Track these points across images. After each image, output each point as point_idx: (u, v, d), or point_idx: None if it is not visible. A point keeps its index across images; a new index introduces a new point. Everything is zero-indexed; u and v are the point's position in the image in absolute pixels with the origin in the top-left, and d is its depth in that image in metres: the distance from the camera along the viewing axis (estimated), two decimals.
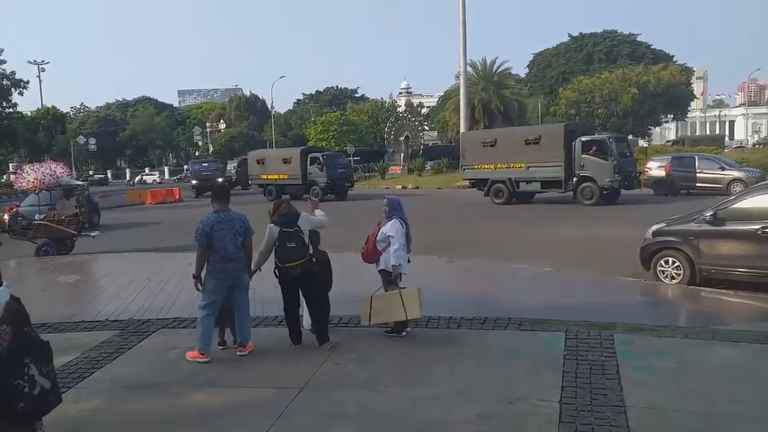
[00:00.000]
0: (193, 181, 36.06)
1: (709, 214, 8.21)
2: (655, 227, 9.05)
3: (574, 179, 21.12)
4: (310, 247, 6.12)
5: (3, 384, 2.08)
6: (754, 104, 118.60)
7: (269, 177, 31.69)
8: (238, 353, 5.92)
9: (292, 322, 6.13)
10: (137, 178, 68.62)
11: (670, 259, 8.65)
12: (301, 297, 6.13)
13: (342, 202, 27.71)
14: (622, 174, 20.63)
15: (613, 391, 4.67)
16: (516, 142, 22.91)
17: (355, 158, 46.74)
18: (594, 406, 4.43)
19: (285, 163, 30.86)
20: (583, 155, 20.89)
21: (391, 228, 6.19)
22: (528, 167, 22.21)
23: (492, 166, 23.35)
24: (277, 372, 5.48)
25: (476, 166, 24.26)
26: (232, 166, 45.59)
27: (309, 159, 29.86)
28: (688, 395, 4.64)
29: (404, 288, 6.17)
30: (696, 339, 5.96)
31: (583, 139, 21.35)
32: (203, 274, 5.78)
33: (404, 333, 6.28)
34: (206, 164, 39.33)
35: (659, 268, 8.77)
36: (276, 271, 5.97)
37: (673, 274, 8.61)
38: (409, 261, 6.41)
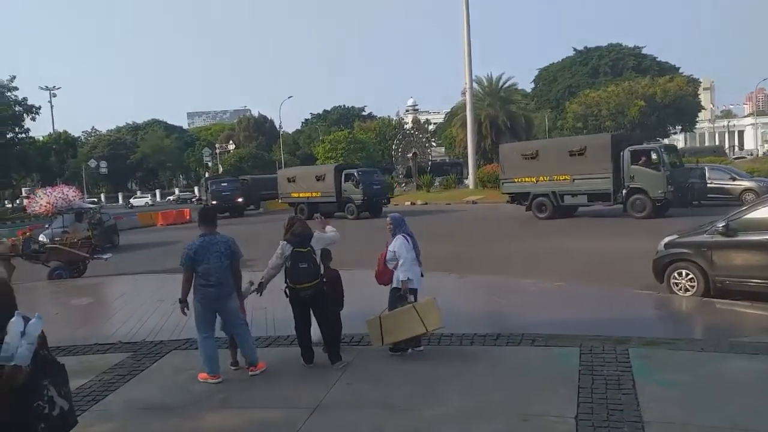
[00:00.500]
0: (213, 201, 33.92)
1: (721, 225, 8.14)
2: (667, 239, 8.98)
3: (624, 191, 20.05)
4: (322, 267, 6.11)
5: (24, 406, 2.13)
6: (763, 114, 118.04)
7: (301, 195, 30.62)
8: (249, 373, 5.91)
9: (304, 342, 6.10)
10: (127, 203, 67.37)
11: (684, 271, 8.56)
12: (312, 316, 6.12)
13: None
14: (675, 185, 19.56)
15: (629, 407, 4.61)
16: (559, 154, 21.86)
17: None
18: (611, 422, 4.37)
19: (318, 180, 29.79)
20: (633, 166, 19.87)
21: (395, 244, 6.20)
22: (573, 179, 21.15)
23: (534, 179, 22.31)
24: (289, 392, 5.46)
25: (516, 180, 23.15)
26: None
27: (344, 175, 28.90)
28: (706, 409, 4.57)
29: (415, 302, 6.11)
30: (712, 352, 5.88)
31: (632, 149, 20.38)
32: (191, 299, 5.78)
33: (409, 351, 6.20)
34: (225, 184, 37.39)
35: (673, 281, 8.69)
36: (287, 290, 5.97)
37: (687, 286, 8.52)
38: (422, 275, 6.38)
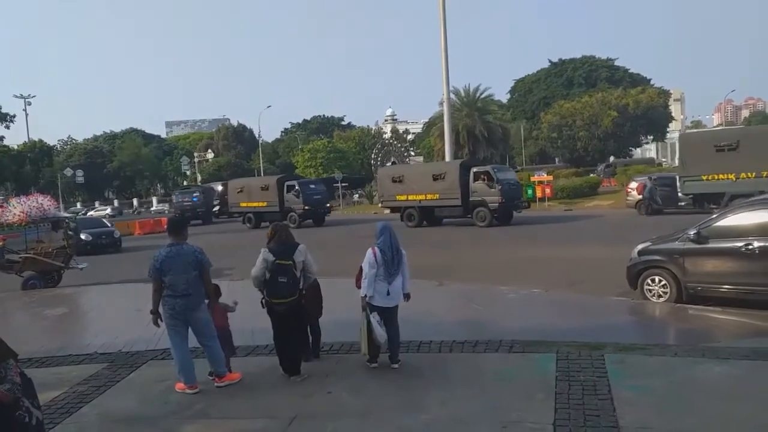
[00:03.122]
0: (306, 207, 29.38)
1: (692, 233, 8.32)
2: (640, 246, 9.15)
3: None
4: (302, 281, 5.89)
5: (8, 416, 2.17)
6: (731, 124, 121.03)
7: (411, 198, 25.64)
8: (215, 384, 5.83)
9: (283, 352, 6.00)
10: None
11: (657, 278, 8.74)
12: None
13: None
14: None
15: (606, 412, 4.67)
16: None
17: (343, 184, 46.99)
18: (588, 428, 4.42)
19: (436, 179, 24.80)
20: None
21: (365, 257, 6.01)
22: None
23: (732, 176, 18.24)
24: (268, 402, 5.42)
25: (705, 177, 19.14)
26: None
27: (472, 174, 23.96)
28: (681, 414, 4.65)
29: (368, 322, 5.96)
30: (686, 357, 5.99)
31: None
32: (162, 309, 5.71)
33: (374, 365, 6.12)
34: (314, 186, 31.66)
35: (646, 287, 8.85)
36: (263, 302, 5.87)
37: (660, 293, 8.69)
38: (389, 293, 5.93)
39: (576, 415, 4.66)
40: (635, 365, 5.79)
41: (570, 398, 4.99)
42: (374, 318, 5.88)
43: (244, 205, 32.64)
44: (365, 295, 5.92)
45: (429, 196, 24.99)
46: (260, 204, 31.61)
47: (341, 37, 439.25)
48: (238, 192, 33.28)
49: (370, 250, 5.98)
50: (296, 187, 30.11)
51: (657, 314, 8.65)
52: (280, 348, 6.01)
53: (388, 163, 54.03)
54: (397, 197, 26.46)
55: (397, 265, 6.00)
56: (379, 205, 28.95)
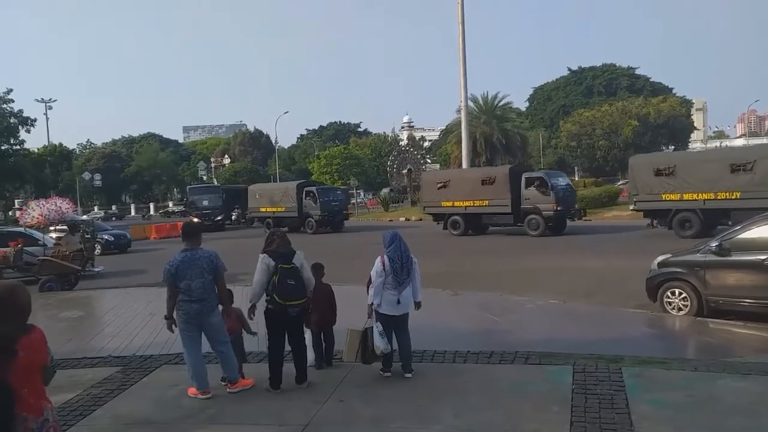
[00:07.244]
0: (558, 207, 22.34)
1: (714, 245, 8.16)
2: (660, 258, 8.99)
3: None
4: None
5: None
6: (755, 135, 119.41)
7: (686, 197, 18.93)
8: (228, 390, 5.81)
9: (277, 367, 5.82)
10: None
11: (677, 290, 8.58)
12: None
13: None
14: None
15: (623, 427, 4.58)
16: None
17: (359, 191, 47.02)
18: None
19: (736, 171, 17.93)
20: None
21: (374, 265, 5.99)
22: None
23: None
24: (280, 408, 5.39)
25: None
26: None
27: None
28: (699, 430, 4.54)
29: (366, 328, 5.95)
30: (706, 372, 5.86)
31: None
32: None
33: (387, 374, 6.08)
34: (562, 179, 24.52)
35: (666, 300, 8.69)
36: (269, 307, 5.72)
37: (680, 306, 8.52)
38: (399, 301, 5.88)
39: (592, 429, 4.57)
40: (654, 379, 5.67)
41: (586, 411, 4.90)
42: (377, 328, 5.84)
43: (447, 204, 25.04)
44: (371, 303, 5.92)
45: (721, 195, 18.22)
46: (478, 203, 23.96)
47: (359, 44, 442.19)
48: (440, 187, 25.44)
49: (378, 259, 5.95)
50: (543, 181, 22.59)
51: (677, 327, 8.49)
52: (275, 359, 5.82)
53: (404, 171, 53.91)
54: (664, 196, 19.59)
55: (407, 274, 5.95)
56: (631, 207, 21.98)
